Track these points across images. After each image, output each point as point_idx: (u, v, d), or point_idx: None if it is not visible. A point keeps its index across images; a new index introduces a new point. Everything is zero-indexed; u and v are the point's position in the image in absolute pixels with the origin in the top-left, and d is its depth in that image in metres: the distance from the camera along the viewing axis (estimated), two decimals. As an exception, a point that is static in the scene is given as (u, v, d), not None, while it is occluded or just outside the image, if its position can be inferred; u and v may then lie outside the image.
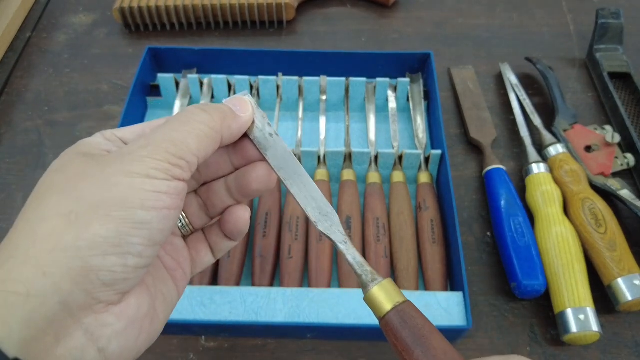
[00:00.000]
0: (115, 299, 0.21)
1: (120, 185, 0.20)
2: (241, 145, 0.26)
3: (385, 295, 0.22)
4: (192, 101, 0.57)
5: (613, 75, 0.60)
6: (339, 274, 0.44)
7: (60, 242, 0.19)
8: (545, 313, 0.44)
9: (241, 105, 0.25)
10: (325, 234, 0.25)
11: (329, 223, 0.25)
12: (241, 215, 0.26)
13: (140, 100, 0.56)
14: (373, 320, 0.39)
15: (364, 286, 0.23)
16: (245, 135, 0.25)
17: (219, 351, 0.42)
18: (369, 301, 0.23)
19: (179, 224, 0.27)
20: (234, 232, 0.27)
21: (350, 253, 0.24)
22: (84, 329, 0.20)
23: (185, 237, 0.28)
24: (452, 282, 0.45)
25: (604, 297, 0.44)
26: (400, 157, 0.51)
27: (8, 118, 0.58)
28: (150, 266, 0.22)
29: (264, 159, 0.25)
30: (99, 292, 0.20)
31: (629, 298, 0.41)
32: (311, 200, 0.25)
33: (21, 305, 0.18)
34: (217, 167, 0.27)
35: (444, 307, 0.40)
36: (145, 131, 0.25)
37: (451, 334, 0.41)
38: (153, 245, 0.21)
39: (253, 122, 0.25)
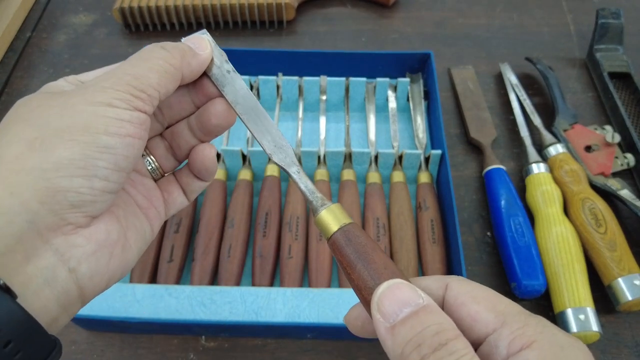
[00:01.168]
0: (84, 222, 0.21)
1: (84, 113, 0.21)
2: (201, 83, 0.26)
3: (332, 217, 0.24)
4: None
5: (613, 75, 0.60)
6: (339, 274, 0.44)
7: (25, 164, 0.19)
8: (545, 313, 0.44)
9: (200, 44, 0.25)
10: (280, 165, 0.26)
11: (283, 155, 0.26)
12: (207, 154, 0.27)
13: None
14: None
15: (314, 211, 0.25)
16: (205, 74, 0.26)
17: (219, 351, 0.42)
18: (319, 224, 0.24)
19: (149, 167, 0.27)
20: (202, 171, 0.27)
21: (303, 181, 0.25)
22: (53, 249, 0.20)
23: (156, 181, 0.28)
24: None
25: (604, 297, 0.44)
26: (400, 157, 0.51)
27: (8, 118, 0.58)
28: (118, 193, 0.23)
29: (222, 95, 0.26)
30: (67, 212, 0.20)
31: (629, 298, 0.41)
32: (266, 133, 0.26)
33: None
34: (179, 108, 0.27)
35: None
36: (109, 70, 0.25)
37: None
38: (119, 170, 0.22)
39: (212, 60, 0.26)
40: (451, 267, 0.45)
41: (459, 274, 0.42)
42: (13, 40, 0.66)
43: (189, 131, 0.27)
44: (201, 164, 0.27)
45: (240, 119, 0.26)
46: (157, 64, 0.23)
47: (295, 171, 0.26)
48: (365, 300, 0.21)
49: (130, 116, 0.22)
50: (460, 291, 0.21)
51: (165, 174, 0.28)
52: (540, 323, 0.20)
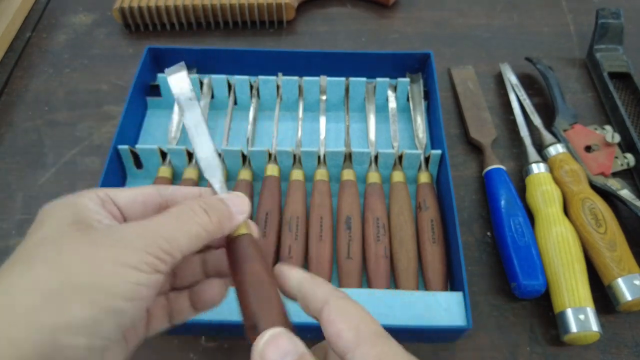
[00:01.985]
0: None
1: (110, 275, 0.21)
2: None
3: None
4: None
5: (613, 75, 0.60)
6: (339, 274, 0.44)
7: (37, 320, 0.19)
8: (545, 313, 0.44)
9: (241, 206, 0.26)
10: (208, 180, 0.29)
11: (211, 173, 0.29)
12: (217, 292, 0.27)
13: (140, 100, 0.56)
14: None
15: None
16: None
17: (219, 351, 0.42)
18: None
19: None
20: (205, 306, 0.28)
21: (224, 191, 0.28)
22: None
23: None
24: (452, 282, 0.44)
25: (604, 297, 0.44)
26: (400, 157, 0.51)
27: (8, 118, 0.58)
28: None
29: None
30: None
31: (629, 298, 0.41)
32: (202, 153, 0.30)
33: None
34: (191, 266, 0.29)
35: (444, 307, 0.40)
36: (137, 199, 0.26)
37: (451, 334, 0.41)
38: (120, 328, 0.22)
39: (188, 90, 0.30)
40: (451, 267, 0.45)
41: (459, 274, 0.42)
42: (13, 40, 0.66)
43: (200, 264, 0.29)
44: (208, 300, 0.27)
45: (189, 136, 0.30)
46: (192, 229, 0.24)
47: (219, 187, 0.28)
48: (248, 324, 0.24)
49: (148, 280, 0.22)
50: (333, 308, 0.23)
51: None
52: (392, 350, 0.21)
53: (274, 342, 0.22)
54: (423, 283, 0.45)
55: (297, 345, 0.22)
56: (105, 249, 0.21)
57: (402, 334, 0.40)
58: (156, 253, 0.22)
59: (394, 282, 0.45)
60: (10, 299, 0.20)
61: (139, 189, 0.26)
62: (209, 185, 0.29)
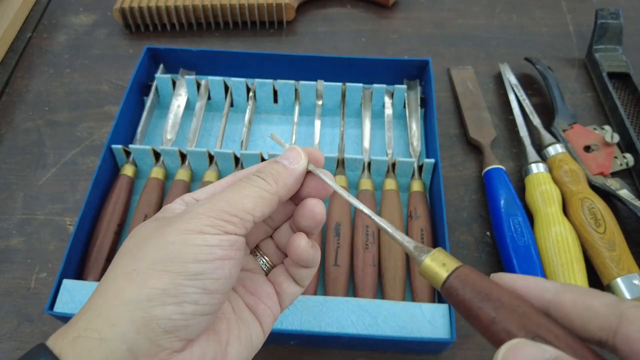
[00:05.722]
0: (179, 346, 0.23)
1: (175, 243, 0.23)
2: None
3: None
4: (189, 102, 0.57)
5: (612, 75, 0.60)
6: (325, 282, 0.43)
7: (124, 297, 0.22)
8: (544, 312, 0.44)
9: (294, 158, 0.27)
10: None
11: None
12: (297, 244, 0.28)
13: (138, 100, 0.56)
14: (355, 330, 0.39)
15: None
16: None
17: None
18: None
19: (265, 268, 0.30)
20: (300, 261, 0.28)
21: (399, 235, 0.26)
22: None
23: (267, 274, 0.30)
24: (439, 293, 0.44)
25: (603, 297, 0.44)
26: (394, 165, 0.50)
27: (9, 118, 0.58)
28: (214, 314, 0.24)
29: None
30: (161, 339, 0.22)
31: (628, 297, 0.41)
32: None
33: (97, 349, 0.21)
34: (284, 212, 0.30)
35: (428, 319, 0.39)
36: (217, 190, 0.28)
37: (434, 346, 0.40)
38: (209, 293, 0.23)
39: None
40: None
41: None
42: (13, 41, 0.66)
43: (289, 227, 0.30)
44: (295, 254, 0.28)
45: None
46: (252, 192, 0.25)
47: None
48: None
49: (220, 240, 0.23)
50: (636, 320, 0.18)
51: (275, 266, 0.31)
52: None
53: (513, 355, 0.18)
54: (410, 293, 0.44)
55: (543, 351, 0.18)
56: (171, 225, 0.24)
57: (386, 344, 0.40)
58: (220, 216, 0.23)
59: (380, 291, 0.44)
60: (104, 286, 0.23)
61: (218, 182, 0.28)
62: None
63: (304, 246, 0.28)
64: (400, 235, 0.25)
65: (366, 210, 0.27)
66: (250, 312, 0.28)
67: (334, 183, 0.27)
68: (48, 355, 0.21)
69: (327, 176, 0.28)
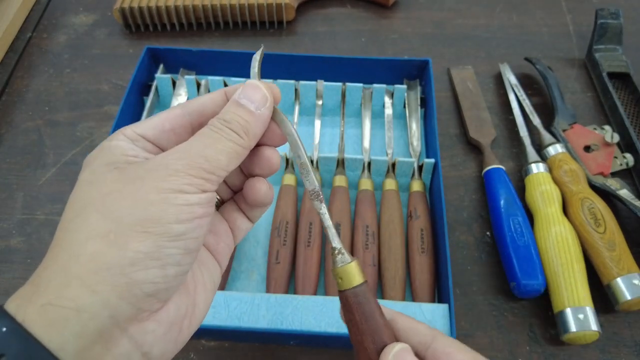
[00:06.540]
0: (157, 307, 0.22)
1: (156, 203, 0.21)
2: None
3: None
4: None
5: (612, 75, 0.60)
6: (325, 282, 0.44)
7: (104, 262, 0.20)
8: (544, 312, 0.44)
9: (260, 101, 0.25)
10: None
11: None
12: (257, 189, 0.27)
13: (138, 100, 0.56)
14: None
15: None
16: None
17: (219, 351, 0.42)
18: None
19: (215, 203, 0.28)
20: (256, 204, 0.28)
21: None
22: (129, 336, 0.21)
23: (217, 209, 0.29)
24: (439, 293, 0.44)
25: (603, 297, 0.44)
26: (394, 165, 0.50)
27: (9, 118, 0.58)
28: (188, 272, 0.23)
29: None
30: (143, 302, 0.21)
31: (628, 297, 0.41)
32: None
33: (74, 320, 0.19)
34: None
35: (428, 319, 0.39)
36: (165, 127, 0.25)
37: None
38: (189, 253, 0.22)
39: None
40: (439, 278, 0.44)
41: (446, 285, 0.41)
42: (13, 41, 0.66)
43: (239, 170, 0.29)
44: (254, 198, 0.27)
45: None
46: (227, 146, 0.24)
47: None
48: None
49: (199, 199, 0.22)
50: (447, 343, 0.26)
51: (225, 201, 0.29)
52: None
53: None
54: (410, 293, 0.44)
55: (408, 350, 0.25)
56: (147, 181, 0.22)
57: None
58: (199, 174, 0.22)
59: (380, 291, 0.44)
60: (72, 249, 0.21)
61: (164, 113, 0.26)
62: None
63: (265, 190, 0.27)
64: (331, 233, 0.28)
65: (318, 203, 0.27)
66: (209, 254, 0.27)
67: (294, 130, 0.27)
68: (8, 320, 0.19)
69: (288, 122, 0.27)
